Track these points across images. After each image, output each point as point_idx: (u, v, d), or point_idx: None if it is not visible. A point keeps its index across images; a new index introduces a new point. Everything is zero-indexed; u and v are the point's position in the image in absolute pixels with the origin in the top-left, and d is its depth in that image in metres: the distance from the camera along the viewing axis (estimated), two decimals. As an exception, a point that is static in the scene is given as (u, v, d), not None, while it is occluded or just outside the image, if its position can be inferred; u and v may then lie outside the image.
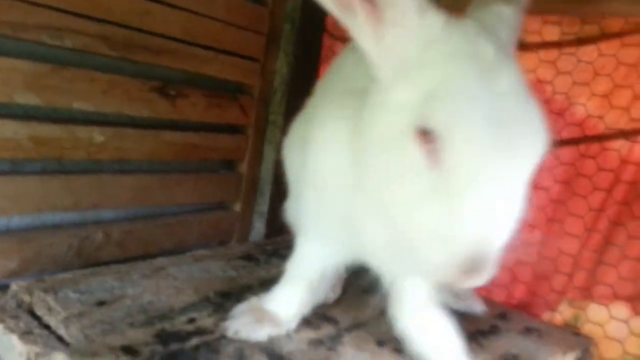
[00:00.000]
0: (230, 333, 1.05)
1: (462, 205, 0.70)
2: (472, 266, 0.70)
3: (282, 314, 1.11)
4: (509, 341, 1.26)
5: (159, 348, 0.96)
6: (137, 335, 0.99)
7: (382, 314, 1.25)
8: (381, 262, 0.91)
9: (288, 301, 1.12)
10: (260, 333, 1.07)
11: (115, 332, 0.99)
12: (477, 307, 1.11)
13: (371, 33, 0.76)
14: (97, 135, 1.41)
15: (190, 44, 1.57)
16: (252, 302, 1.14)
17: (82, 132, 1.38)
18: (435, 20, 0.75)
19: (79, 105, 1.35)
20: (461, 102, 0.70)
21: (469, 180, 0.69)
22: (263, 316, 1.09)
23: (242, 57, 1.74)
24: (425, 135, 0.71)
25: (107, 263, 1.36)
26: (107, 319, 1.03)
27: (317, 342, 1.09)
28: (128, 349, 0.93)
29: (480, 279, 0.72)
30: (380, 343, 1.13)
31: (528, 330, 1.31)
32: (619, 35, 1.37)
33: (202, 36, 1.60)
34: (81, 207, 1.43)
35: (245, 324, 1.07)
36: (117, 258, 1.45)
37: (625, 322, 1.34)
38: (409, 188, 0.73)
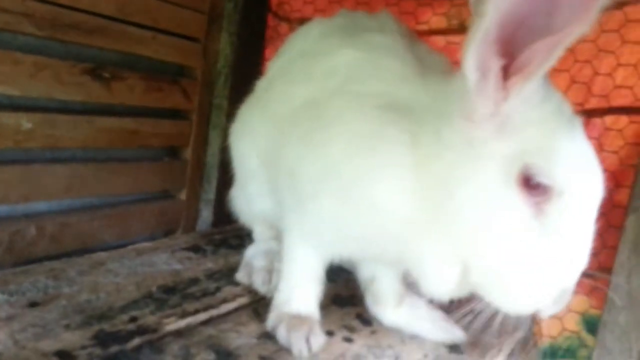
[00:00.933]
0: (297, 354, 1.02)
1: (566, 250, 0.79)
2: (561, 297, 0.82)
3: (309, 312, 1.09)
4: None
5: (97, 351, 0.91)
6: (74, 338, 0.94)
7: (330, 304, 1.26)
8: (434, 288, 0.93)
9: (309, 299, 1.10)
10: (319, 340, 1.05)
11: (48, 336, 0.93)
12: (458, 334, 1.15)
13: (495, 98, 0.78)
14: (25, 122, 1.31)
15: (124, 22, 1.48)
16: (275, 312, 1.10)
17: (7, 118, 1.28)
18: (542, 83, 0.79)
19: (3, 89, 1.25)
20: (575, 159, 0.79)
21: (574, 226, 0.79)
22: (300, 322, 1.06)
23: (182, 37, 1.67)
24: (532, 187, 0.78)
25: (40, 259, 1.28)
26: (39, 322, 0.97)
27: (266, 336, 1.07)
28: (63, 354, 0.88)
29: (562, 307, 0.84)
30: (330, 333, 1.12)
31: (472, 312, 1.34)
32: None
33: (138, 14, 1.51)
34: (10, 200, 1.33)
35: (299, 337, 1.03)
36: (52, 254, 1.37)
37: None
38: (515, 234, 0.79)
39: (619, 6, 1.33)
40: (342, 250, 1.06)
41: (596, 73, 1.36)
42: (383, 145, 0.91)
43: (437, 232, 0.86)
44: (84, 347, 0.92)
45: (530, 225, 0.79)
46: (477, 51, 0.74)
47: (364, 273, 1.23)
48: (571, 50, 1.38)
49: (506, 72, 0.76)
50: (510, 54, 0.74)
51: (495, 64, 0.75)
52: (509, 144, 0.80)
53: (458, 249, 0.85)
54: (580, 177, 0.79)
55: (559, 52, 0.69)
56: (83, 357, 0.89)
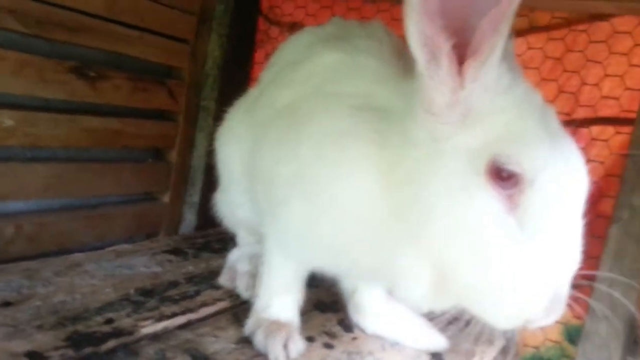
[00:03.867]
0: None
1: (548, 247, 0.73)
2: (554, 304, 0.75)
3: (289, 318, 1.09)
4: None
5: (70, 352, 0.91)
6: (46, 339, 0.93)
7: (312, 309, 1.26)
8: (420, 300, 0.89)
9: (288, 305, 1.10)
10: (298, 346, 1.04)
11: (20, 336, 0.93)
12: (441, 342, 1.15)
13: (450, 85, 0.75)
14: (6, 119, 1.31)
15: (112, 21, 1.49)
16: (254, 317, 1.10)
17: (-13, 115, 1.28)
18: (506, 70, 0.77)
19: (-16, 86, 1.26)
20: (545, 145, 0.74)
21: (555, 221, 0.74)
22: (278, 328, 1.05)
23: (171, 37, 1.68)
24: (504, 179, 0.73)
25: (17, 259, 1.28)
26: (11, 322, 0.97)
27: (245, 341, 1.07)
28: (33, 355, 0.88)
29: (558, 316, 0.77)
30: (310, 339, 1.12)
31: (455, 319, 1.35)
32: (546, 28, 1.42)
33: (126, 13, 1.52)
34: (-12, 198, 1.34)
35: (277, 343, 1.02)
36: (29, 254, 1.37)
37: (568, 306, 1.41)
38: (489, 233, 0.74)
39: (606, 17, 1.36)
40: (314, 261, 1.04)
41: (584, 83, 1.38)
42: (351, 146, 0.88)
43: (407, 238, 0.81)
44: (56, 348, 0.91)
45: (505, 222, 0.73)
46: (418, 24, 0.71)
47: (346, 283, 1.24)
48: (560, 60, 1.41)
49: (461, 57, 0.73)
50: (462, 36, 0.72)
51: (445, 44, 0.72)
52: (474, 136, 0.76)
53: (431, 255, 0.79)
54: (552, 162, 0.73)
55: (506, 28, 0.67)
56: (55, 359, 0.88)
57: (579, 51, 1.39)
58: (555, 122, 0.80)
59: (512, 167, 0.73)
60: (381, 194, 0.84)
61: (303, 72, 1.07)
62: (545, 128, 0.76)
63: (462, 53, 0.73)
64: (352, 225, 0.88)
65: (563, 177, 0.74)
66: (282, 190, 0.97)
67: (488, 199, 0.74)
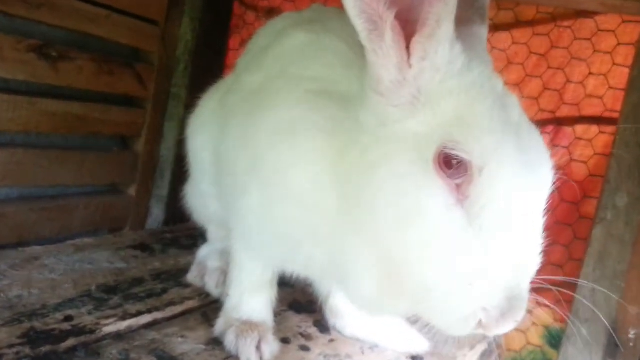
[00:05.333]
0: None
1: (496, 243, 0.70)
2: (510, 308, 0.71)
3: (261, 318, 1.06)
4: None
5: (26, 350, 0.87)
6: (1, 336, 0.89)
7: (287, 309, 1.24)
8: (364, 303, 0.87)
9: (260, 304, 1.07)
10: (271, 347, 1.02)
11: (-29, 333, 0.89)
12: (421, 344, 1.15)
13: (395, 60, 0.73)
14: (-40, 100, 1.26)
15: (77, -2, 1.44)
16: (225, 317, 1.07)
17: (-61, 95, 1.22)
18: (460, 52, 0.75)
19: None
20: (496, 132, 0.70)
21: (504, 215, 0.70)
22: (250, 328, 1.03)
23: (139, 18, 1.63)
24: (452, 167, 0.70)
25: (-31, 251, 1.23)
26: (-38, 317, 0.93)
27: (215, 342, 1.04)
28: (-15, 353, 0.84)
29: (517, 321, 0.73)
30: (285, 340, 1.10)
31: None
32: (531, 23, 1.43)
33: (92, -10, 1.47)
34: (-63, 186, 1.27)
35: (249, 345, 1.00)
36: (-18, 246, 1.31)
37: (529, 312, 1.43)
38: (437, 226, 0.71)
39: (591, 15, 1.37)
40: (273, 256, 1.02)
41: (568, 80, 1.40)
42: (303, 134, 0.86)
43: (355, 229, 0.79)
44: (11, 346, 0.87)
45: (453, 214, 0.70)
46: None
47: (321, 286, 1.22)
48: (544, 56, 1.42)
49: (408, 33, 0.71)
50: (407, 8, 0.70)
51: (386, 12, 0.70)
52: (424, 120, 0.74)
53: (377, 248, 0.76)
54: (503, 151, 0.70)
55: (453, 1, 0.67)
56: (10, 356, 0.84)
57: (564, 48, 1.41)
58: (516, 111, 0.77)
59: (460, 154, 0.70)
60: (330, 184, 0.82)
61: (272, 54, 1.06)
62: (500, 115, 0.73)
63: (409, 29, 0.71)
64: (303, 215, 0.86)
65: (515, 167, 0.70)
66: (241, 178, 0.96)
67: (435, 188, 0.71)
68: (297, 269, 1.02)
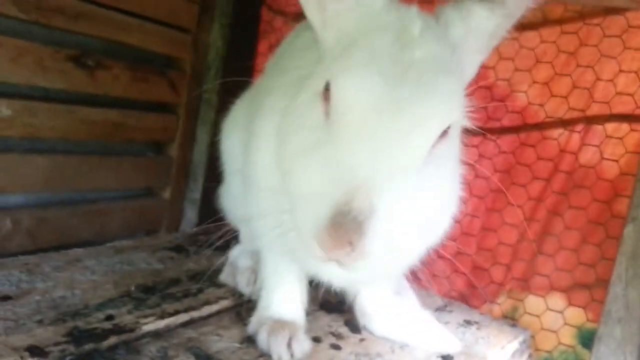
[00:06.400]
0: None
1: (341, 152, 0.73)
2: (341, 223, 0.67)
3: (293, 317, 1.09)
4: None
5: (70, 348, 0.92)
6: (46, 334, 0.94)
7: (318, 309, 1.27)
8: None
9: (291, 303, 1.10)
10: (302, 346, 1.04)
11: (20, 331, 0.93)
12: (453, 344, 1.16)
13: (315, 2, 0.80)
14: (4, 109, 1.32)
15: (111, 8, 1.49)
16: (257, 316, 1.10)
17: (-16, 105, 1.28)
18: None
19: (-19, 74, 1.26)
20: (357, 58, 0.76)
21: (349, 127, 0.74)
22: (281, 327, 1.05)
23: (172, 26, 1.68)
24: (327, 91, 0.77)
25: (15, 254, 1.28)
26: (11, 316, 0.97)
27: (249, 341, 1.07)
28: (34, 350, 0.88)
29: (352, 247, 0.68)
30: (317, 339, 1.13)
31: (467, 323, 1.36)
32: (559, 22, 1.42)
33: (126, 0, 1.52)
34: (-16, 191, 1.34)
35: (280, 343, 1.02)
36: (27, 248, 1.37)
37: (561, 312, 1.42)
38: (299, 142, 0.79)
39: (620, 11, 1.35)
40: (277, 246, 1.04)
41: (598, 78, 1.38)
42: (268, 115, 0.95)
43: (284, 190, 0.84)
44: (56, 344, 0.92)
45: (315, 132, 0.78)
46: None
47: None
48: (573, 54, 1.41)
49: None
50: None
51: None
52: (326, 57, 0.84)
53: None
54: (350, 68, 0.76)
55: None
56: (55, 354, 0.89)
57: (593, 45, 1.39)
58: (422, 54, 0.78)
59: (328, 80, 0.78)
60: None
61: (288, 55, 1.13)
62: (387, 50, 0.77)
63: None
64: (262, 197, 0.93)
65: (371, 89, 0.74)
66: (252, 177, 1.03)
67: (313, 111, 0.79)
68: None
